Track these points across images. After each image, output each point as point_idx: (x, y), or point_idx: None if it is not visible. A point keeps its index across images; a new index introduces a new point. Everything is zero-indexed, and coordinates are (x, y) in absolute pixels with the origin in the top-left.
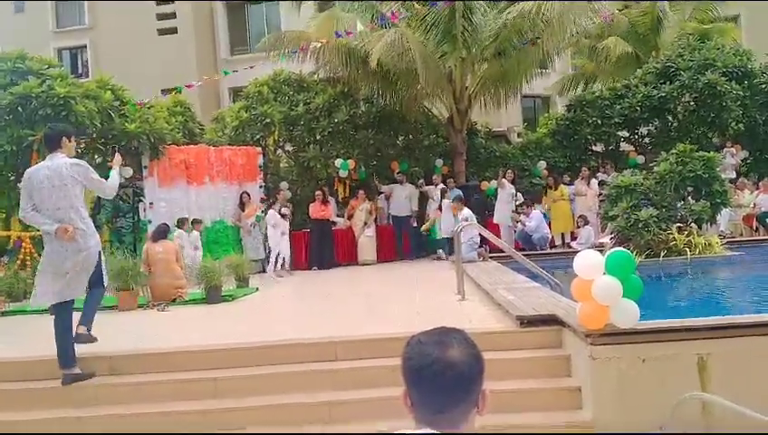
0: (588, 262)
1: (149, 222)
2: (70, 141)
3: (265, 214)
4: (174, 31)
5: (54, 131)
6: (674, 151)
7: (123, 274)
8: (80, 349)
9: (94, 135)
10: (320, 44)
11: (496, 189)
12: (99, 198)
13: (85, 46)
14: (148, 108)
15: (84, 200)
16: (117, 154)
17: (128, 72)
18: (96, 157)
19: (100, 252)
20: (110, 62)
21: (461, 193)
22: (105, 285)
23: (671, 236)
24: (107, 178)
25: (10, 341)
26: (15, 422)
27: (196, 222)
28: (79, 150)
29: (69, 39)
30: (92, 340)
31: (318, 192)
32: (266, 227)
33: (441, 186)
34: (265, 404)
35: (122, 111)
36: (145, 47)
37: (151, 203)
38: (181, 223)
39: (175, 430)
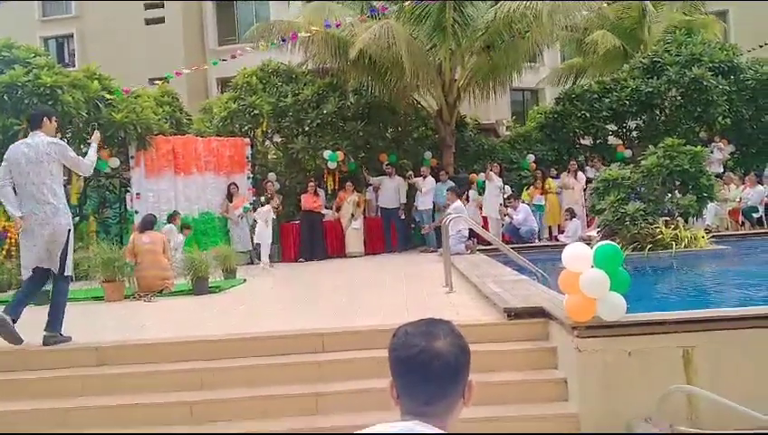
0: (576, 255)
1: (136, 212)
2: (51, 122)
3: (255, 207)
4: (161, 20)
5: (38, 111)
6: (661, 145)
7: (110, 265)
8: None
9: (81, 125)
10: (308, 35)
11: (484, 182)
12: (85, 188)
13: (72, 35)
14: (135, 97)
15: (71, 191)
16: (96, 131)
17: (115, 62)
18: (82, 147)
19: (69, 233)
20: (97, 52)
21: (455, 185)
22: (68, 275)
23: (658, 229)
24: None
25: None
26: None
27: (175, 214)
28: (65, 140)
29: (55, 28)
30: (66, 339)
31: (311, 183)
32: (254, 220)
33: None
34: (252, 396)
35: (109, 101)
36: (132, 37)
37: (138, 193)
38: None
39: (161, 421)
